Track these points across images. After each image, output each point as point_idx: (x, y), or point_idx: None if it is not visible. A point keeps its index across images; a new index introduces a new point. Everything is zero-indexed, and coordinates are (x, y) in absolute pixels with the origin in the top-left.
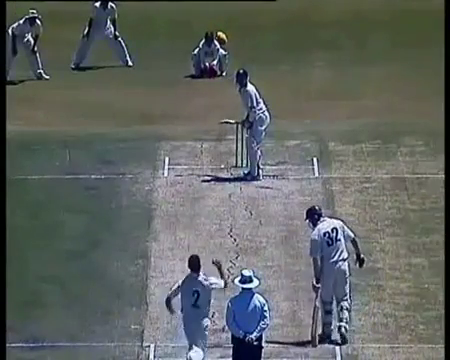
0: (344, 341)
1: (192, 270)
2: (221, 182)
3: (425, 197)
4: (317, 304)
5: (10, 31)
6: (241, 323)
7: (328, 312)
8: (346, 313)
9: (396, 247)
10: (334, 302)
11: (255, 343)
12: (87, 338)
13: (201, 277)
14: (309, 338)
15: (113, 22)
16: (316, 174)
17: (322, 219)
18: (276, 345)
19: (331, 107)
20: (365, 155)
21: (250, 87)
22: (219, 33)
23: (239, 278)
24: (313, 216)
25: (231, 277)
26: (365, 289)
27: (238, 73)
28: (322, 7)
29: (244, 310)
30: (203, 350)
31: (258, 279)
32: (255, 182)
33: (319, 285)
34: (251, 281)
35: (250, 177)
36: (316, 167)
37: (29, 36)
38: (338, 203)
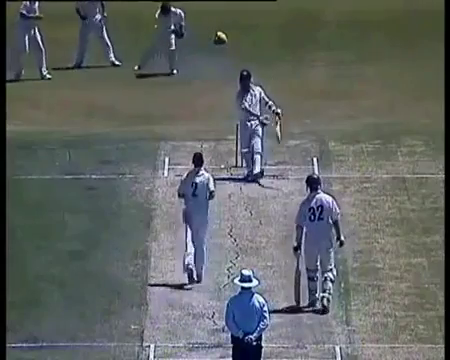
0: (325, 311)
1: (195, 165)
2: (221, 182)
3: (425, 197)
4: (299, 268)
5: (19, 14)
6: (240, 323)
7: (311, 279)
8: (329, 284)
9: (396, 247)
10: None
11: (255, 343)
12: (87, 338)
13: (201, 171)
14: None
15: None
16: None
17: (315, 192)
18: (276, 345)
19: (331, 107)
20: (365, 155)
21: (256, 90)
22: (219, 33)
23: (239, 278)
24: (310, 185)
25: (231, 277)
26: (365, 289)
27: (242, 75)
28: (322, 7)
29: (243, 310)
30: (204, 247)
31: (257, 279)
32: (255, 182)
33: (299, 251)
34: (250, 281)
35: (250, 178)
36: (316, 167)
37: (36, 31)
38: (338, 203)
